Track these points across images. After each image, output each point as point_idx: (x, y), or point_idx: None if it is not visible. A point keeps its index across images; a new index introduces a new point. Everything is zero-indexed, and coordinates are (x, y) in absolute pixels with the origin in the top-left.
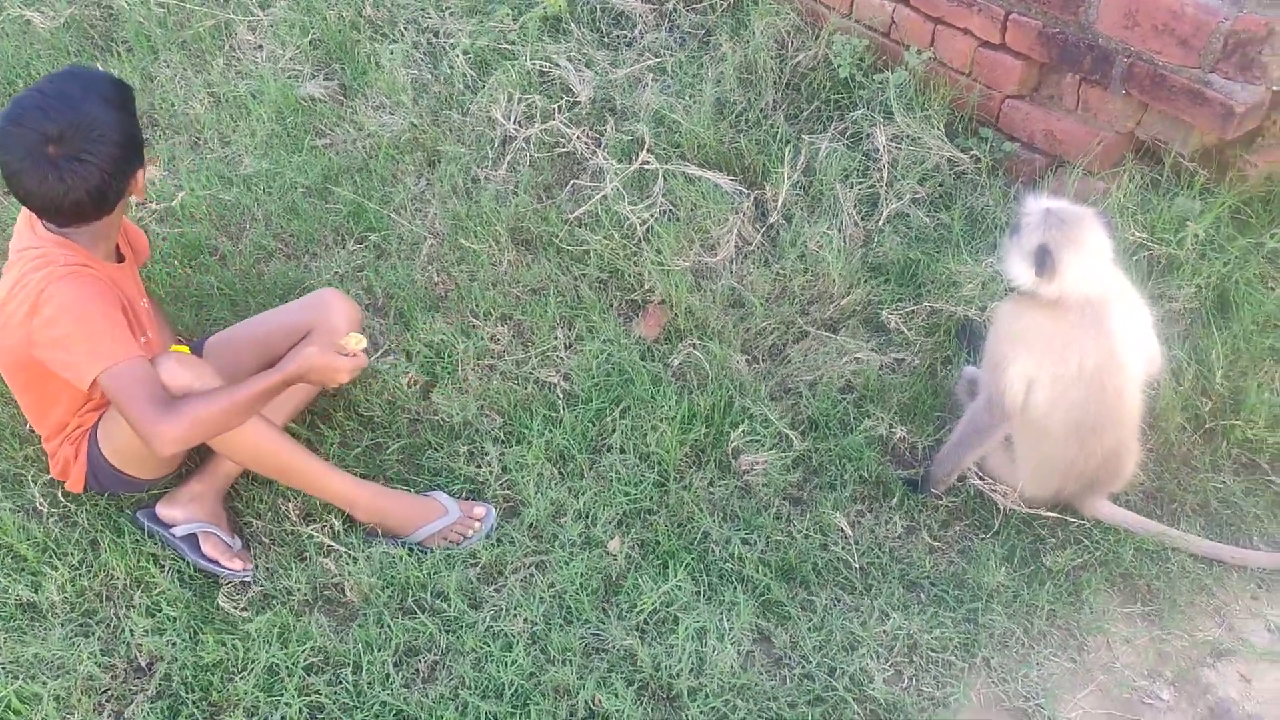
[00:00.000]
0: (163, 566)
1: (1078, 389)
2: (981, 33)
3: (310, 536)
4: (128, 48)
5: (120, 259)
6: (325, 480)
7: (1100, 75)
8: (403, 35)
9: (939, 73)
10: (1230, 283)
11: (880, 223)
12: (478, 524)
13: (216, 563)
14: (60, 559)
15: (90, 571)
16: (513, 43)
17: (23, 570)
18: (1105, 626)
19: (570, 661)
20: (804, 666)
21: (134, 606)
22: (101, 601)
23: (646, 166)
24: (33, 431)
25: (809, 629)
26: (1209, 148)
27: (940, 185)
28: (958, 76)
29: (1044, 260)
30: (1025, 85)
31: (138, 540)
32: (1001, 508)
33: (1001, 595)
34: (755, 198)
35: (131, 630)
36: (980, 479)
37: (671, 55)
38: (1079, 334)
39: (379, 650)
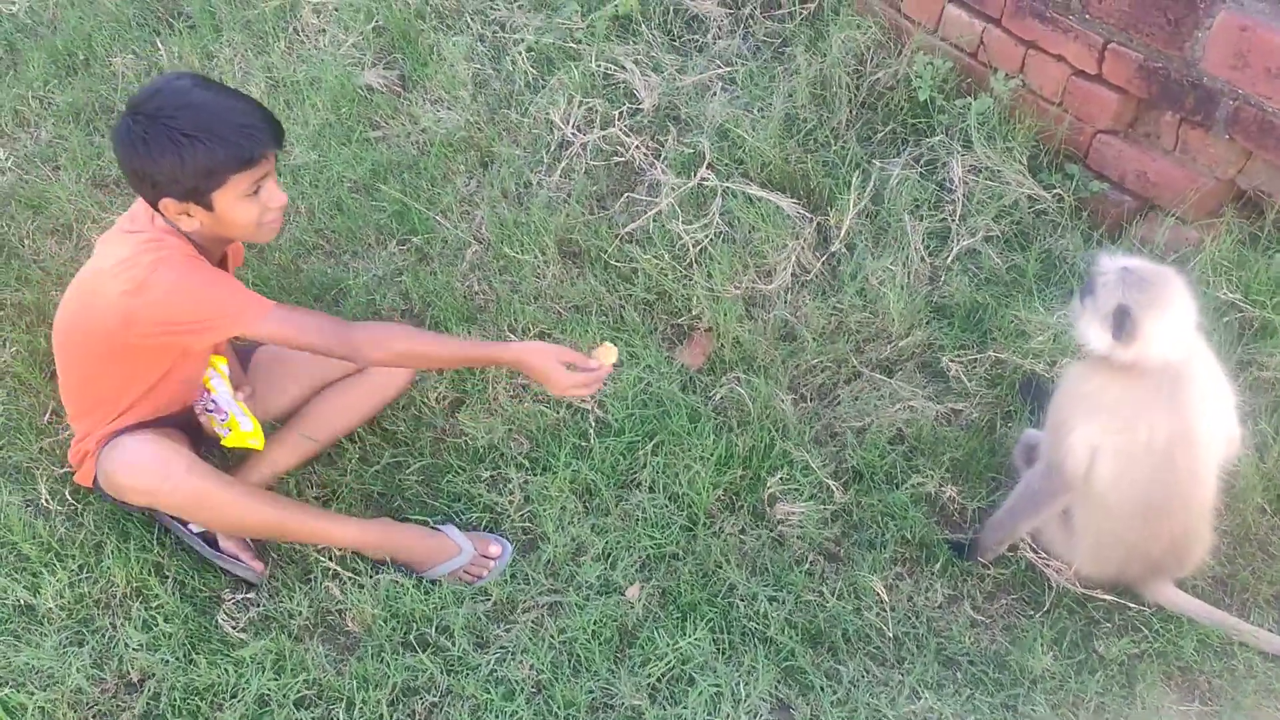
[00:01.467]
0: (165, 578)
1: (1146, 464)
2: (1076, 61)
3: (318, 560)
4: (190, 25)
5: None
6: (328, 533)
7: (1203, 116)
8: (468, 27)
9: (1026, 101)
10: None
11: (949, 260)
12: (492, 563)
13: (236, 558)
14: (61, 562)
15: (90, 578)
16: (579, 42)
17: (24, 570)
18: None
19: (574, 718)
20: None
21: (131, 619)
22: (99, 610)
23: (705, 183)
24: (49, 424)
25: (832, 703)
26: None
27: (1017, 224)
28: (1047, 106)
29: (1123, 323)
30: (1120, 121)
31: (144, 546)
32: (1054, 584)
33: (1046, 682)
34: (818, 223)
35: (126, 644)
36: (1033, 551)
37: (744, 65)
38: (1152, 403)
39: (375, 688)
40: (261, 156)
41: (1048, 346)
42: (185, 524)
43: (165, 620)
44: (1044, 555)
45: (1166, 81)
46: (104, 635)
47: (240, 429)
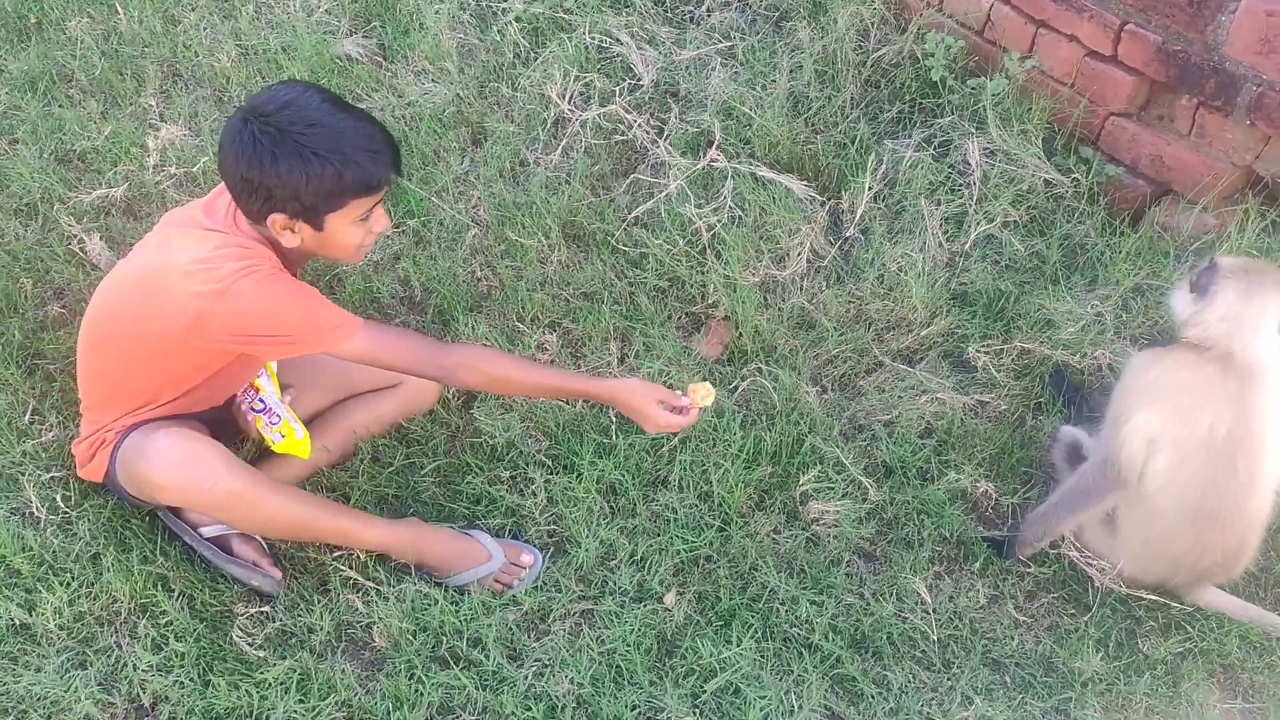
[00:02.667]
0: (172, 591)
1: (1202, 460)
2: (1090, 41)
3: (335, 569)
4: None
5: None
6: (356, 533)
7: (1223, 101)
8: None
9: (1039, 82)
10: None
11: (967, 246)
12: (524, 572)
13: (255, 566)
14: (58, 576)
15: (90, 593)
16: (570, 11)
17: (16, 586)
18: None
19: None
20: None
21: (138, 637)
22: (101, 628)
23: (715, 164)
24: (31, 424)
25: (884, 713)
26: None
27: (1034, 209)
28: (1059, 88)
29: (1205, 278)
30: (1134, 103)
31: (145, 557)
32: (1098, 584)
33: (1095, 685)
34: (830, 207)
35: (134, 665)
36: (1076, 550)
37: (742, 39)
38: (1215, 394)
39: (410, 708)
40: (386, 182)
41: (1076, 337)
42: (196, 528)
43: (176, 638)
44: (1086, 554)
45: (1186, 65)
46: (110, 655)
47: (294, 435)
